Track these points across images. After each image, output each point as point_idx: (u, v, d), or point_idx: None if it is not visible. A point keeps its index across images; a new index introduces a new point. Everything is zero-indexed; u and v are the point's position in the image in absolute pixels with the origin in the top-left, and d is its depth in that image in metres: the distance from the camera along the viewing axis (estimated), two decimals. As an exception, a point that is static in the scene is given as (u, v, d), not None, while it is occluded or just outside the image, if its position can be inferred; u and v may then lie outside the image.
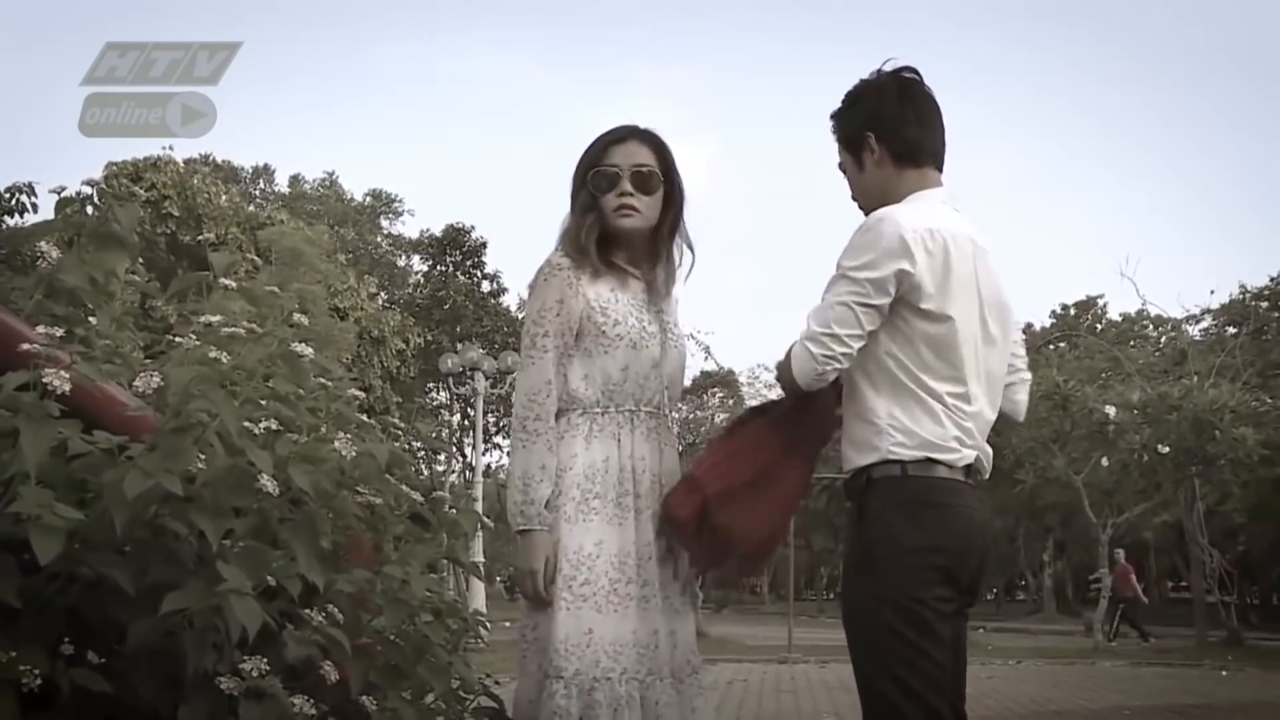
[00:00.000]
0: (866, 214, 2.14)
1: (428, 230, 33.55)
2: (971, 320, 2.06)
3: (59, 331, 1.58)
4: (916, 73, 2.18)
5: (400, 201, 36.78)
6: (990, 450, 2.13)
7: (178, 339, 1.80)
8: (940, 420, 2.02)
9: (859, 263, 2.01)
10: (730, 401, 30.79)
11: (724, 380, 32.10)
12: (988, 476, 2.14)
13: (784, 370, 2.10)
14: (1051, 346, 28.18)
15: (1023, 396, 2.29)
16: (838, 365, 2.03)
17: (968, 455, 2.04)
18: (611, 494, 2.16)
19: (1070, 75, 63.85)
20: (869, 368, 2.06)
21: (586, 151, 2.30)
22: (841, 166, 2.25)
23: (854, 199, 2.24)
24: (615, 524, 2.15)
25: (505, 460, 34.58)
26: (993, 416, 2.15)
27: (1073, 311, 34.18)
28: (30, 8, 58.91)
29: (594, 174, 2.26)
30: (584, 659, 2.06)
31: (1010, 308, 2.20)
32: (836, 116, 2.24)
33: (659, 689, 2.11)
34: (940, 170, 2.18)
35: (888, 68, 2.19)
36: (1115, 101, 61.68)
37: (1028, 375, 2.32)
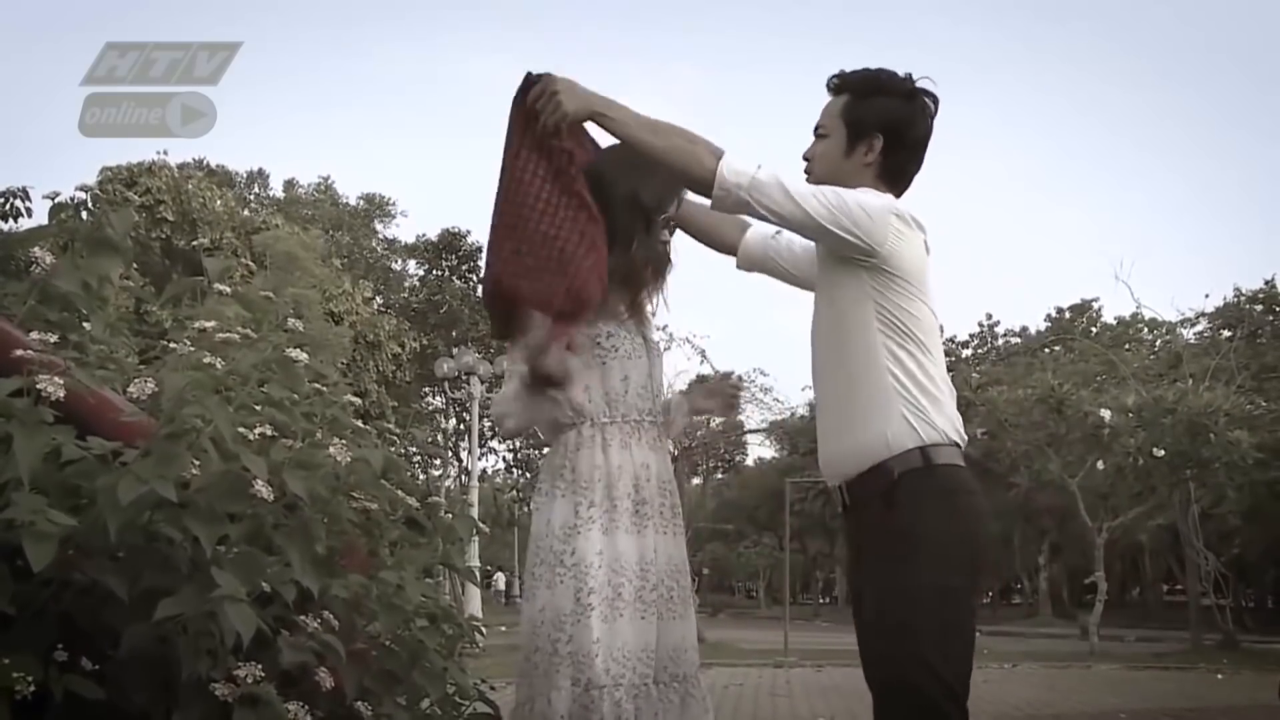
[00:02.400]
0: (809, 181, 2.09)
1: (423, 234, 33.48)
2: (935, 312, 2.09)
3: (53, 337, 1.58)
4: (937, 103, 2.15)
5: (394, 205, 36.67)
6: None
7: (172, 344, 1.79)
8: (944, 407, 2.03)
9: (860, 197, 1.99)
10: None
11: (720, 384, 32.00)
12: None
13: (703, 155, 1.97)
14: (1046, 350, 28.24)
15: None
16: (750, 208, 1.97)
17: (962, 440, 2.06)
18: (627, 502, 2.17)
19: (1070, 75, 64.02)
20: (869, 356, 2.02)
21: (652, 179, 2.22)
22: (821, 130, 2.16)
23: (807, 159, 2.17)
24: (634, 532, 2.16)
25: (500, 465, 34.68)
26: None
27: (1068, 315, 34.18)
28: (30, 8, 58.90)
29: (664, 221, 2.27)
30: (596, 665, 2.05)
31: None
32: (854, 89, 2.14)
33: (656, 694, 2.11)
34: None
35: (923, 83, 2.13)
36: (1114, 101, 61.80)
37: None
